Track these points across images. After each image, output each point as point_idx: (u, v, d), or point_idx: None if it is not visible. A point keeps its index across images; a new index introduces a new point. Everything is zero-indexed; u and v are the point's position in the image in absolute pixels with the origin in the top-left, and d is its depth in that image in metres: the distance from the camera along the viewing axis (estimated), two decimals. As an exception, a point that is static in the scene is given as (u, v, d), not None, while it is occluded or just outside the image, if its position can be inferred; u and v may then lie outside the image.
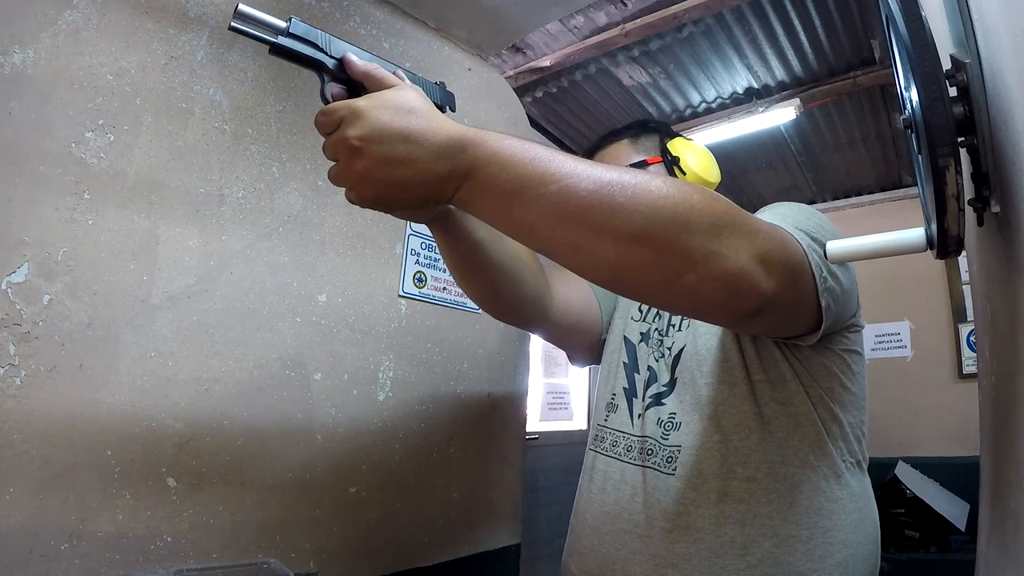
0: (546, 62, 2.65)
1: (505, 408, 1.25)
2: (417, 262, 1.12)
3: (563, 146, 3.48)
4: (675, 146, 0.97)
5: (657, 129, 1.00)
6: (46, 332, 0.69)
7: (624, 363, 0.93)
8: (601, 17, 2.46)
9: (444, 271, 1.16)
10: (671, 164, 0.95)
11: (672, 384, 0.84)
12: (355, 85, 0.59)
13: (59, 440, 0.69)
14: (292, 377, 0.91)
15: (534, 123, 3.10)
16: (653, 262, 0.52)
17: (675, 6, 2.31)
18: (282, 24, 0.56)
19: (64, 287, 0.71)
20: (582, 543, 0.85)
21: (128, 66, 0.79)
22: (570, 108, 3.13)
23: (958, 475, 2.27)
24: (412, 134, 0.51)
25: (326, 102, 0.57)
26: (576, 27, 2.52)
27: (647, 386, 0.87)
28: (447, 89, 0.69)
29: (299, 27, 0.56)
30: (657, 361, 0.88)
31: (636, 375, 0.90)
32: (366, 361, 1.01)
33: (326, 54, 0.58)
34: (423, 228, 1.14)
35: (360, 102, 0.52)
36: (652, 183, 0.52)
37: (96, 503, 0.71)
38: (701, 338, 0.83)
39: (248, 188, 0.90)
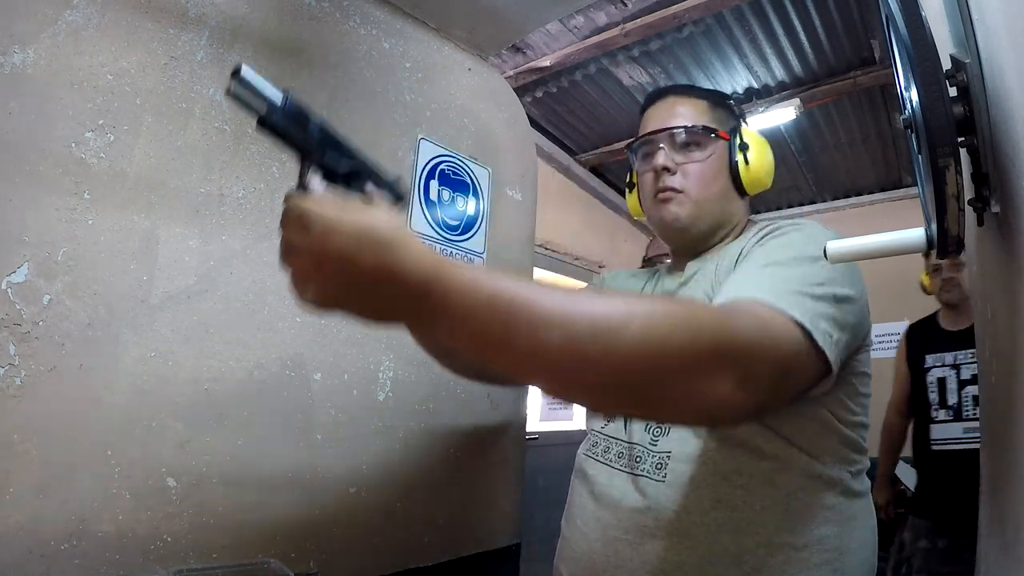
0: (546, 62, 2.65)
1: (505, 408, 1.25)
2: (417, 262, 1.12)
3: (563, 146, 3.48)
4: (749, 134, 0.92)
5: (736, 111, 0.97)
6: (46, 332, 0.69)
7: None
8: (601, 17, 2.46)
9: (444, 271, 1.16)
10: (741, 149, 0.91)
11: None
12: (338, 177, 0.57)
13: (59, 440, 0.69)
14: (292, 377, 0.91)
15: (534, 123, 3.10)
16: (629, 404, 0.54)
17: (675, 6, 2.31)
18: (278, 97, 0.53)
19: (64, 287, 0.71)
20: (573, 549, 0.84)
21: (128, 66, 0.79)
22: (570, 108, 3.13)
23: (958, 475, 2.26)
24: (379, 272, 0.47)
25: (302, 188, 0.55)
26: (576, 27, 2.52)
27: None
28: (400, 181, 0.65)
29: (293, 104, 0.54)
30: None
31: None
32: (366, 361, 1.01)
33: (315, 140, 0.56)
34: (423, 228, 1.14)
35: (336, 221, 0.47)
36: (627, 329, 0.48)
37: (96, 503, 0.71)
38: None
39: (248, 188, 0.90)
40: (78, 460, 0.70)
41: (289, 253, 0.49)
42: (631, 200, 1.05)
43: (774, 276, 0.66)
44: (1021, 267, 0.46)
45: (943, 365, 1.93)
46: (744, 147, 0.91)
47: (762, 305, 0.60)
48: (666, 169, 0.89)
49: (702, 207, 0.89)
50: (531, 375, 0.53)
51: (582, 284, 3.78)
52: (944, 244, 0.50)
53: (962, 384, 1.90)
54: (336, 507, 0.94)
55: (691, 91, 0.96)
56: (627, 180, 1.06)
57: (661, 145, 0.90)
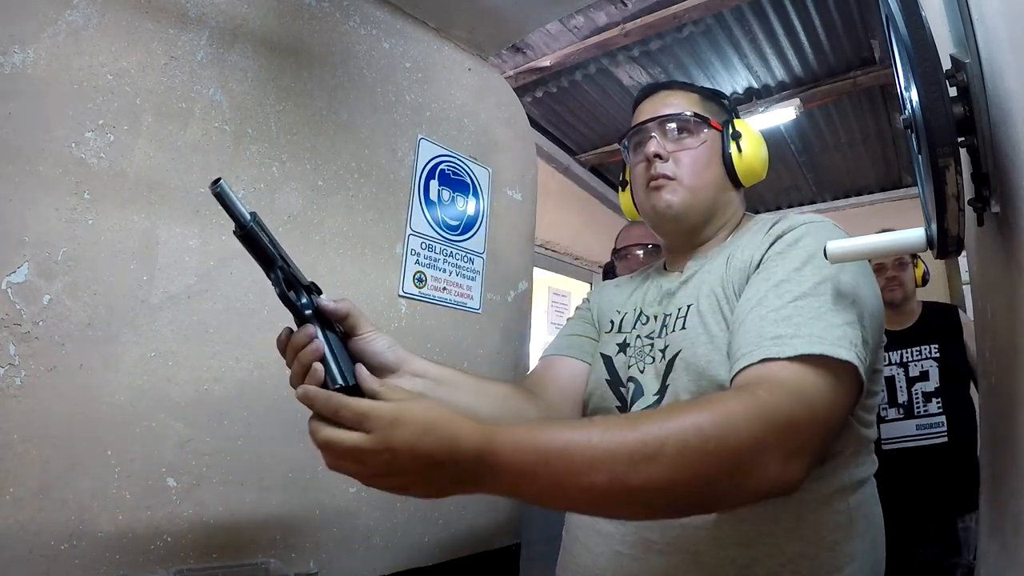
0: (546, 62, 2.65)
1: (505, 408, 1.25)
2: (417, 262, 1.12)
3: (563, 146, 3.48)
4: (742, 125, 0.92)
5: (728, 105, 0.97)
6: (46, 332, 0.69)
7: (607, 380, 0.88)
8: (601, 17, 2.46)
9: (444, 271, 1.16)
10: (733, 138, 0.90)
11: (662, 392, 0.80)
12: (293, 286, 0.63)
13: (59, 440, 0.69)
14: (292, 377, 0.91)
15: (534, 123, 3.10)
16: (685, 511, 0.62)
17: (675, 6, 2.31)
18: (246, 216, 0.59)
19: (64, 287, 0.71)
20: (576, 561, 0.83)
21: (128, 66, 0.79)
22: (570, 108, 3.13)
23: (958, 475, 2.26)
24: (440, 453, 0.52)
25: (284, 299, 0.62)
26: (576, 27, 2.52)
27: (633, 400, 0.83)
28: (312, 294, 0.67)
29: (259, 222, 0.60)
30: (642, 372, 0.83)
31: (622, 389, 0.86)
32: (366, 361, 1.01)
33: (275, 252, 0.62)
34: (423, 228, 1.14)
35: (394, 418, 0.51)
36: (662, 455, 0.52)
37: (96, 503, 0.71)
38: (700, 347, 0.77)
39: (248, 188, 0.90)
40: (78, 460, 0.70)
41: (347, 457, 0.52)
42: (624, 199, 1.03)
43: (804, 312, 0.65)
44: (1021, 267, 0.46)
45: (889, 364, 1.94)
46: (737, 136, 0.90)
47: (790, 366, 0.61)
48: (658, 156, 0.87)
49: (696, 194, 0.87)
50: (588, 509, 0.62)
51: (583, 284, 3.78)
52: (944, 244, 0.50)
53: (911, 381, 1.91)
54: (336, 507, 0.94)
55: (683, 85, 0.96)
56: (620, 178, 1.05)
57: (653, 134, 0.89)
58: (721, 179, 0.89)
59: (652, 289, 0.93)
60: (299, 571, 0.87)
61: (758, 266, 0.76)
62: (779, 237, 0.77)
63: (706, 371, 0.74)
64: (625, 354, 0.87)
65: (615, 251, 1.73)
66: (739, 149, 0.89)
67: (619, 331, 0.91)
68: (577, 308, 1.05)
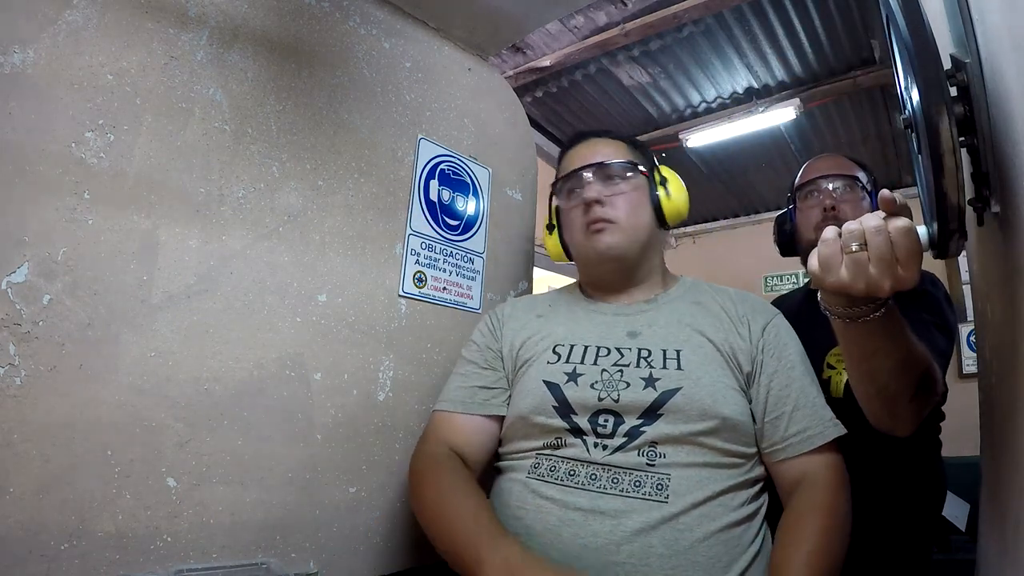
0: (546, 62, 2.65)
1: (505, 408, 1.25)
2: (417, 262, 1.12)
3: (563, 146, 3.47)
4: (665, 171, 1.04)
5: (649, 154, 1.07)
6: (46, 332, 0.69)
7: (554, 407, 0.87)
8: (601, 17, 2.46)
9: (444, 271, 1.16)
10: (661, 183, 1.01)
11: (653, 417, 0.83)
12: None
13: (59, 440, 0.69)
14: (292, 377, 0.91)
15: (534, 123, 3.10)
16: None
17: (675, 6, 2.31)
18: None
19: (64, 287, 0.71)
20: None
21: (128, 66, 0.79)
22: (570, 108, 3.13)
23: (958, 475, 2.26)
24: None
25: None
26: (576, 27, 2.52)
27: (600, 422, 0.84)
28: None
29: None
30: (616, 401, 0.84)
31: (573, 416, 0.86)
32: (366, 361, 1.01)
33: None
34: (423, 228, 1.14)
35: None
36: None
37: (96, 503, 0.71)
38: (704, 389, 0.84)
39: (248, 188, 0.90)
40: (78, 460, 0.70)
41: None
42: (551, 243, 1.09)
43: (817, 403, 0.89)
44: (1021, 267, 0.46)
45: None
46: (664, 181, 1.01)
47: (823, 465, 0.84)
48: (597, 201, 0.95)
49: (632, 235, 0.96)
50: None
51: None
52: (944, 244, 0.50)
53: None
54: (336, 507, 0.94)
55: (609, 134, 1.05)
56: (546, 223, 1.11)
57: (590, 179, 0.97)
58: (651, 220, 0.99)
59: (597, 321, 0.97)
60: (299, 571, 0.87)
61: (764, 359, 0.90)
62: (778, 334, 0.93)
63: (712, 408, 0.82)
64: (577, 384, 0.88)
65: (799, 187, 1.44)
66: (667, 193, 1.00)
67: (566, 362, 0.91)
68: (474, 346, 1.02)
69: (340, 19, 1.06)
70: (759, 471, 0.87)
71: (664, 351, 0.89)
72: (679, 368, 0.87)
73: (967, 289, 2.89)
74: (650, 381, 0.86)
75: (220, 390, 0.83)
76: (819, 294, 0.70)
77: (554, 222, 1.08)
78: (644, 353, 0.90)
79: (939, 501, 1.29)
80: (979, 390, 0.76)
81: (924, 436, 1.27)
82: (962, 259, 2.55)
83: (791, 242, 1.32)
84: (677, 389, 0.84)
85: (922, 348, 0.75)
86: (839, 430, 0.86)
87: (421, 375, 1.09)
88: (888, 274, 0.58)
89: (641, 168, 0.99)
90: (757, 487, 0.86)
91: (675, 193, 1.01)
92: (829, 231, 0.63)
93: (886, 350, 0.71)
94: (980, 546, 0.70)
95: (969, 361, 2.90)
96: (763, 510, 0.85)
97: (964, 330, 2.94)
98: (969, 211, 0.52)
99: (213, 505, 0.81)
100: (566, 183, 1.01)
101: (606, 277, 1.01)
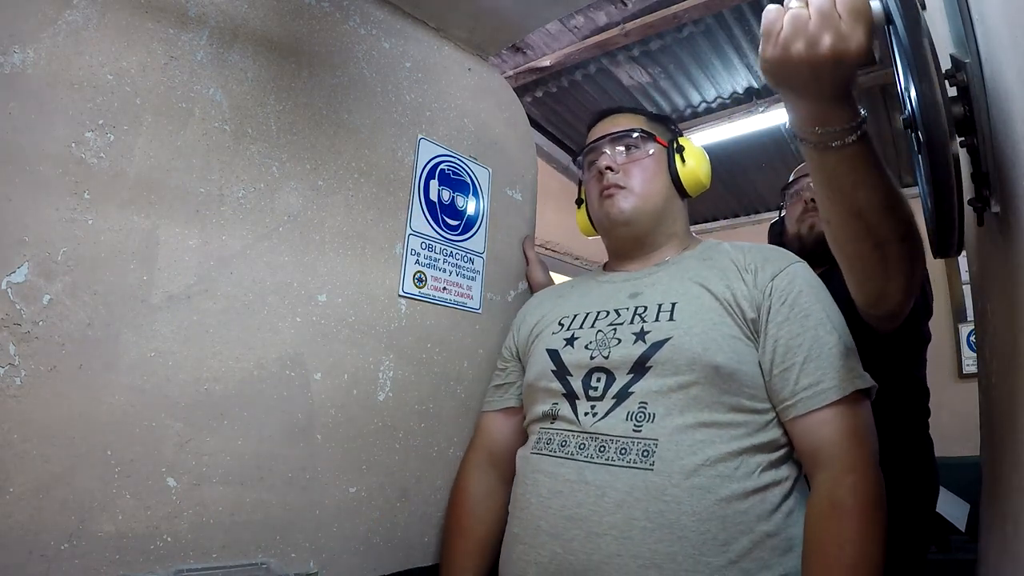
0: (546, 62, 2.65)
1: (505, 408, 1.25)
2: (417, 262, 1.12)
3: (563, 146, 3.48)
4: (685, 142, 1.05)
5: (674, 128, 1.09)
6: (46, 332, 0.69)
7: (553, 371, 0.92)
8: (601, 17, 2.46)
9: (444, 271, 1.16)
10: (678, 151, 1.02)
11: (641, 371, 0.82)
12: None
13: (59, 440, 0.69)
14: (292, 377, 0.91)
15: (534, 123, 3.10)
16: None
17: (675, 6, 2.31)
18: None
19: (64, 287, 0.71)
20: (539, 552, 0.79)
21: (128, 66, 0.79)
22: (570, 108, 3.13)
23: (958, 475, 2.26)
24: None
25: None
26: (576, 27, 2.52)
27: (592, 383, 0.86)
28: None
29: None
30: (607, 357, 0.86)
31: (568, 377, 0.89)
32: (366, 361, 1.01)
33: None
34: (423, 228, 1.14)
35: None
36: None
37: (96, 503, 0.71)
38: (695, 337, 0.81)
39: (248, 188, 0.90)
40: (78, 460, 0.70)
41: None
42: (580, 216, 1.15)
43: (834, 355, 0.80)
44: (1020, 267, 0.46)
45: None
46: (680, 150, 1.02)
47: (837, 448, 0.75)
48: (609, 168, 0.99)
49: (645, 201, 0.98)
50: None
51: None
52: (944, 244, 0.50)
53: None
54: (336, 507, 0.94)
55: (632, 109, 1.10)
56: (576, 198, 1.16)
57: (605, 150, 1.02)
58: (668, 189, 1.01)
59: (606, 289, 1.00)
60: (299, 571, 0.87)
61: (772, 313, 0.84)
62: (785, 290, 0.87)
63: (702, 356, 0.79)
64: (573, 347, 0.92)
65: (785, 188, 1.48)
66: (683, 161, 1.02)
67: (567, 329, 0.96)
68: (503, 347, 1.13)
69: (340, 19, 1.06)
70: (777, 433, 0.79)
71: (660, 305, 0.88)
72: (671, 319, 0.85)
73: (967, 289, 2.90)
74: (640, 335, 0.85)
75: (220, 390, 0.83)
76: (788, 120, 0.66)
77: (582, 196, 1.13)
78: (640, 310, 0.90)
79: (932, 497, 1.30)
80: (979, 390, 0.76)
81: (914, 432, 1.28)
82: (962, 259, 2.55)
83: (783, 245, 1.35)
84: (666, 340, 0.82)
85: (904, 195, 0.70)
86: (862, 382, 0.76)
87: (421, 375, 1.09)
88: (829, 29, 0.54)
89: (658, 138, 1.01)
90: (778, 453, 0.78)
91: (694, 163, 1.02)
92: (770, 6, 0.59)
93: (870, 183, 0.65)
94: (980, 546, 0.70)
95: (969, 361, 2.90)
96: (788, 482, 0.77)
97: (964, 330, 2.94)
98: (969, 211, 0.52)
99: (213, 505, 0.81)
100: (586, 156, 1.07)
101: (621, 244, 1.04)
